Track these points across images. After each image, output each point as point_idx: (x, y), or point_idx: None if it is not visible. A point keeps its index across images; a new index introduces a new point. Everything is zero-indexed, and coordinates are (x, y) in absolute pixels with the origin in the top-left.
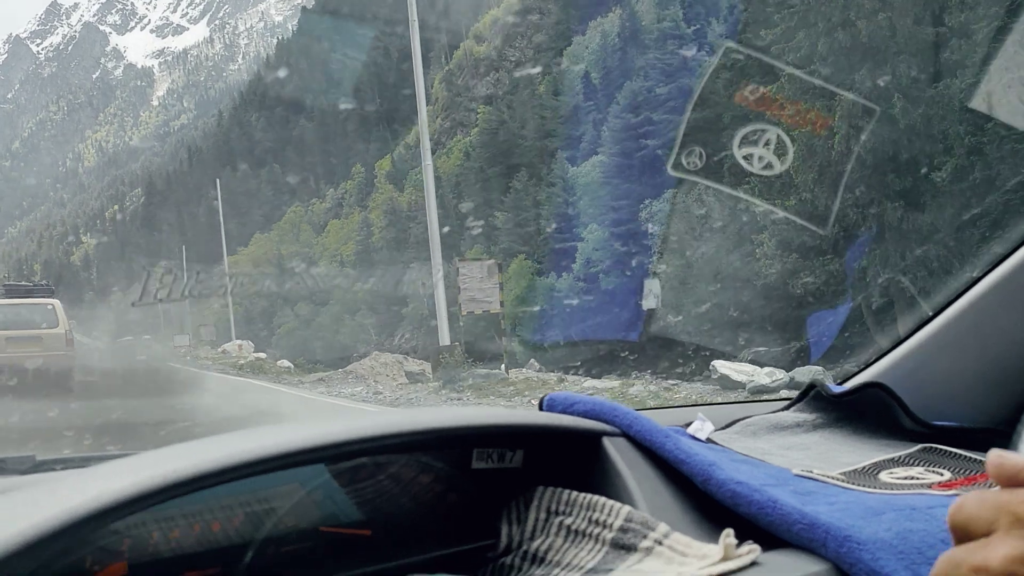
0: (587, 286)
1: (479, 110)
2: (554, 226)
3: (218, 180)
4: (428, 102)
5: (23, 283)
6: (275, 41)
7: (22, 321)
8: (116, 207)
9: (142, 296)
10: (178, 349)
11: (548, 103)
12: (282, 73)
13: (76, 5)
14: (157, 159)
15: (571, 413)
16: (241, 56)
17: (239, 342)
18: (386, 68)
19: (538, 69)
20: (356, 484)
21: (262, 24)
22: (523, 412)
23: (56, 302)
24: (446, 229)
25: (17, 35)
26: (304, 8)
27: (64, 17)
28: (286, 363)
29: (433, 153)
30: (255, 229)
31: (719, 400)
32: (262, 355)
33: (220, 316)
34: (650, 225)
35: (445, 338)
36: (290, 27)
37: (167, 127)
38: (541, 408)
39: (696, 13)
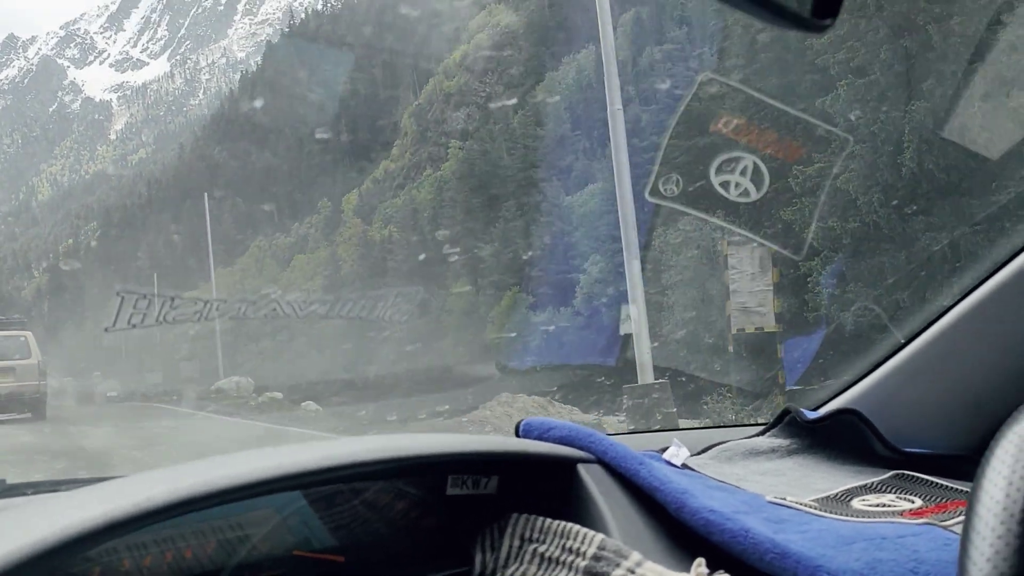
0: (589, 320)
1: (451, 144)
2: (550, 257)
3: (206, 198)
4: (398, 136)
5: None
6: (237, 76)
7: None
8: (70, 241)
9: (115, 322)
10: (151, 387)
11: (531, 133)
12: (245, 107)
13: (34, 38)
14: (114, 193)
15: (547, 439)
16: (202, 91)
17: (236, 378)
18: (352, 104)
19: (515, 101)
20: (331, 510)
21: (224, 60)
22: (498, 438)
23: (28, 334)
24: (422, 256)
25: None
26: (269, 43)
27: (21, 50)
28: (313, 406)
29: (402, 188)
30: (217, 263)
31: (696, 425)
32: (277, 395)
33: (192, 351)
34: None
35: (647, 373)
36: (253, 63)
37: (124, 161)
38: (517, 434)
39: (692, 39)
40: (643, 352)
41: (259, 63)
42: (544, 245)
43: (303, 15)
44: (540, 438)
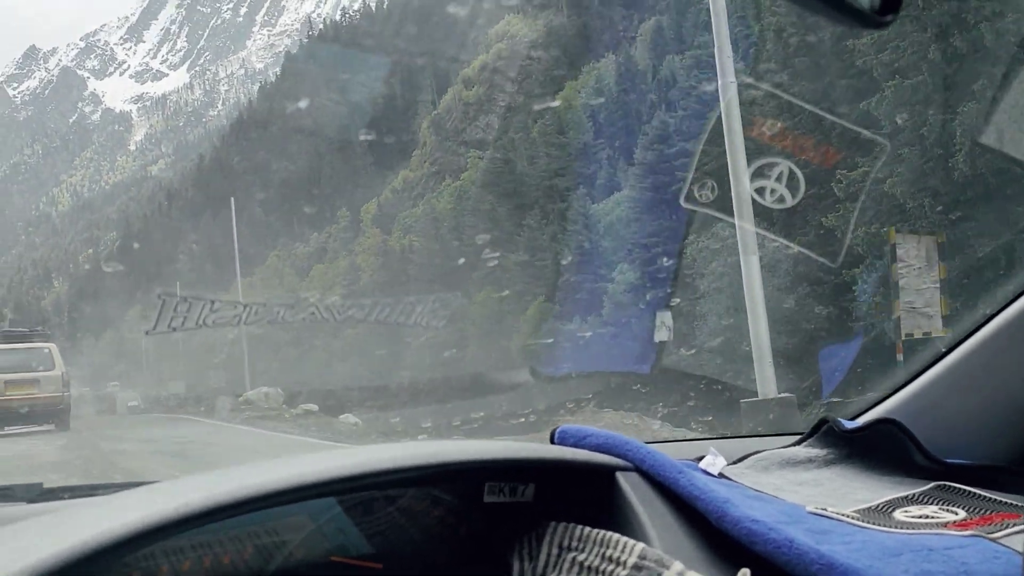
0: (618, 331)
1: (470, 154)
2: (572, 264)
3: (232, 205)
4: (415, 147)
5: (21, 328)
6: (256, 87)
7: (20, 365)
8: (90, 251)
9: (156, 325)
10: (174, 397)
11: (553, 141)
12: (263, 118)
13: (55, 50)
14: (133, 203)
15: (583, 446)
16: (221, 102)
17: (265, 389)
18: (371, 114)
19: (535, 110)
20: (367, 516)
21: (243, 71)
22: (535, 445)
23: (52, 346)
24: (444, 265)
25: None
26: (288, 54)
27: (42, 61)
28: (352, 418)
29: (421, 197)
30: (233, 276)
31: (730, 433)
32: (312, 407)
33: (217, 360)
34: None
35: (769, 386)
36: (271, 74)
37: (144, 172)
38: (552, 441)
39: (733, 41)
40: (765, 365)
41: (277, 74)
42: (571, 253)
43: (321, 26)
44: (576, 445)
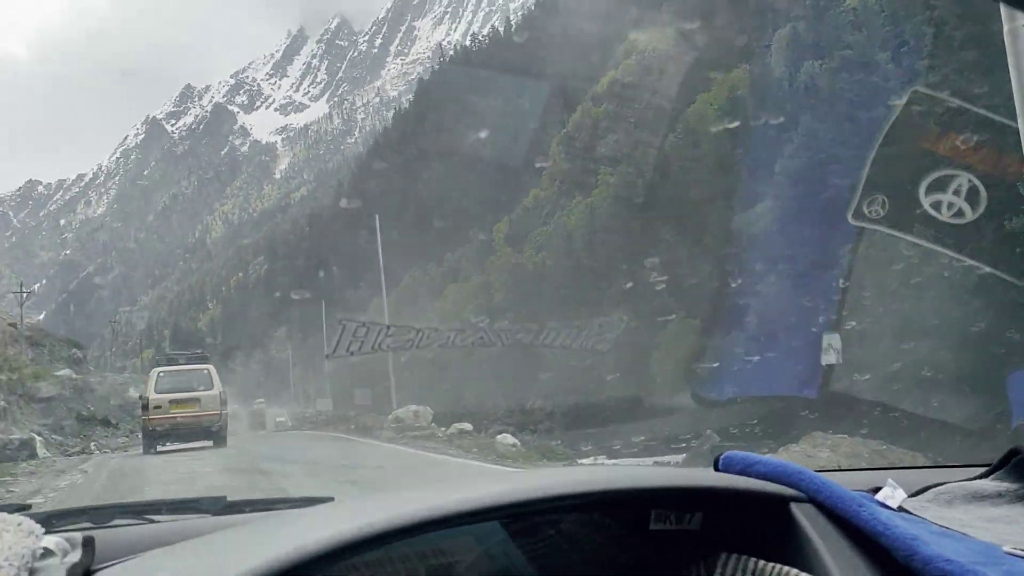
0: (762, 345)
1: (600, 170)
2: (719, 281)
3: (377, 224)
4: (547, 164)
5: (183, 351)
6: (390, 114)
7: (183, 385)
8: (240, 275)
9: (336, 349)
10: (321, 415)
11: (687, 154)
12: (397, 143)
13: (208, 88)
14: (279, 229)
15: (750, 474)
16: (358, 130)
17: (414, 408)
18: (501, 134)
19: (666, 124)
20: (531, 540)
21: (378, 99)
22: (702, 472)
23: (210, 367)
24: (578, 283)
25: (154, 116)
26: (421, 80)
27: (197, 99)
28: (509, 439)
29: (552, 215)
30: (374, 294)
31: (907, 463)
32: (466, 426)
33: (355, 379)
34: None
35: None
36: (405, 101)
37: (288, 199)
38: (717, 467)
39: (884, 40)
40: None
41: (411, 100)
42: (712, 268)
43: (452, 52)
44: (743, 473)
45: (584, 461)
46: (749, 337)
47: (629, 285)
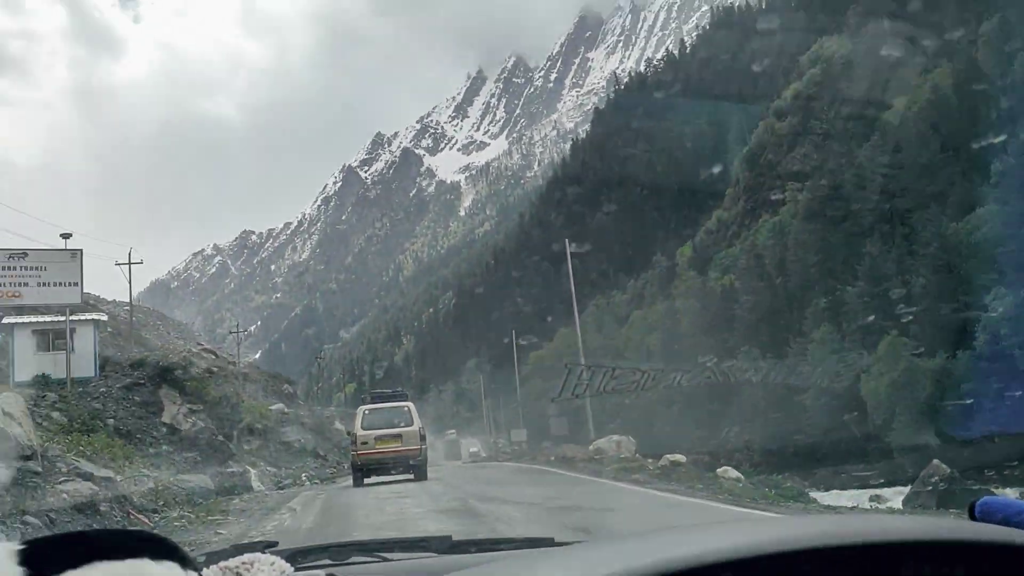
0: (995, 366)
1: (788, 186)
2: (943, 296)
3: (568, 251)
4: (727, 185)
5: (385, 390)
6: (568, 145)
7: (386, 422)
8: (431, 310)
9: (561, 392)
10: (516, 445)
11: (885, 162)
12: (576, 173)
13: (396, 134)
14: (465, 264)
15: (1014, 524)
16: (537, 163)
17: (616, 438)
18: (680, 157)
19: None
20: None
21: (555, 132)
22: (956, 523)
23: (410, 405)
24: (770, 303)
25: (349, 165)
26: (597, 110)
27: (386, 145)
28: (732, 472)
29: (737, 236)
30: (559, 324)
31: None
32: (679, 458)
33: (549, 409)
34: None
35: None
36: (581, 131)
37: (472, 234)
38: (972, 515)
39: None
40: None
41: (587, 130)
42: (925, 280)
43: (627, 79)
44: (1006, 523)
45: (824, 502)
46: (982, 363)
47: (828, 303)
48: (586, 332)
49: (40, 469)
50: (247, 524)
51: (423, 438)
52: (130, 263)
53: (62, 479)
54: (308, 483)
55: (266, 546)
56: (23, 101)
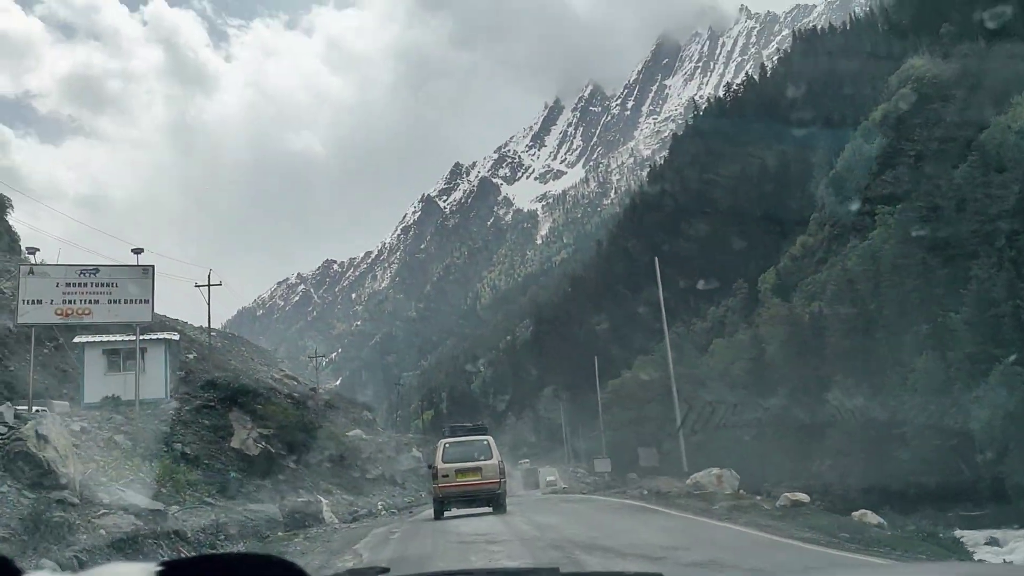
0: None
1: (878, 210)
2: None
3: (658, 272)
4: (812, 210)
5: (465, 423)
6: (645, 173)
7: (466, 455)
8: (508, 337)
9: (680, 426)
10: (600, 476)
11: (990, 181)
12: (654, 200)
13: (474, 164)
14: (542, 291)
15: None
16: (613, 191)
17: (716, 471)
18: (761, 183)
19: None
20: None
21: (632, 159)
22: None
23: (490, 438)
24: (863, 330)
25: (428, 194)
26: (675, 135)
27: (464, 175)
28: (872, 517)
29: (824, 262)
30: (639, 351)
31: None
32: (801, 497)
33: (623, 439)
34: None
35: None
36: (659, 158)
37: (549, 262)
38: None
39: None
40: None
41: (665, 157)
42: None
43: (705, 105)
44: None
45: (981, 554)
46: None
47: (930, 330)
48: (665, 359)
49: (77, 500)
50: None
51: (503, 472)
52: (209, 284)
53: (101, 512)
54: (384, 512)
55: (380, 571)
56: (121, 138)
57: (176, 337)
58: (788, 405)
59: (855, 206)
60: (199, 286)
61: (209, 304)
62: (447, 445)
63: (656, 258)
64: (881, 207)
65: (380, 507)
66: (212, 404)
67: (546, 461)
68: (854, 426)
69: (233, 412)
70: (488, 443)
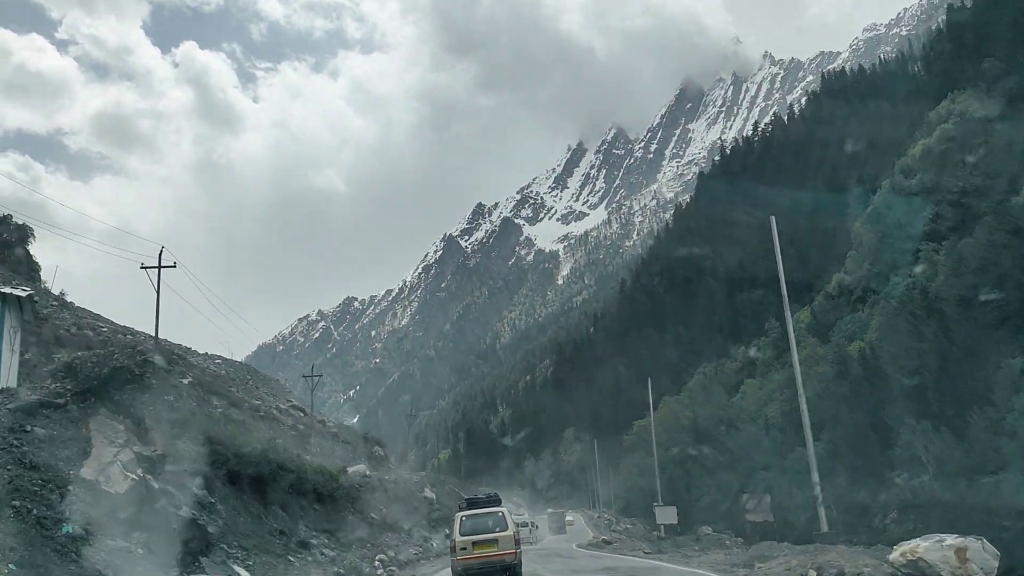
0: None
1: (922, 247)
2: None
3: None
4: (848, 247)
5: (479, 496)
6: (667, 215)
7: (482, 527)
8: (528, 377)
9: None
10: (660, 528)
11: None
12: (678, 241)
13: (496, 204)
14: (563, 331)
15: None
16: (636, 233)
17: (953, 541)
18: (790, 221)
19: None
20: None
21: (654, 202)
22: None
23: (504, 510)
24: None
25: (450, 234)
26: (701, 174)
27: (487, 215)
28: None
29: (863, 300)
30: (663, 392)
31: None
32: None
33: (677, 481)
34: None
35: None
36: (682, 201)
37: (570, 303)
38: None
39: None
40: None
41: (687, 200)
42: None
43: (731, 147)
44: None
45: None
46: None
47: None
48: (694, 401)
49: None
50: None
51: (518, 543)
52: (160, 266)
53: None
54: (381, 567)
55: None
56: (149, 175)
57: (25, 293)
58: (835, 450)
59: (896, 243)
60: (145, 268)
61: (159, 288)
62: (463, 518)
63: (772, 217)
64: (927, 244)
65: (378, 564)
66: (61, 401)
67: (568, 505)
68: (930, 474)
69: (99, 416)
70: (503, 514)
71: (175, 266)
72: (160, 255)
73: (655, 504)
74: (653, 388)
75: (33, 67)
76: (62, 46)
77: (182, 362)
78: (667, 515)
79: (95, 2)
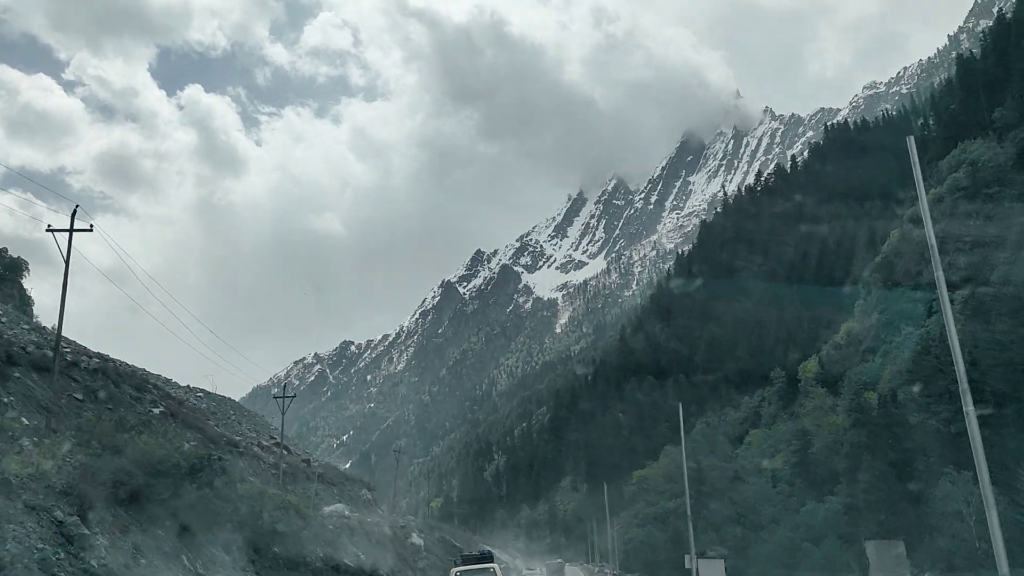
0: None
1: (934, 297)
2: None
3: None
4: (859, 296)
5: (473, 552)
6: (667, 266)
7: None
8: (524, 425)
9: None
10: None
11: None
12: (678, 291)
13: (495, 252)
14: (560, 379)
15: None
16: (635, 283)
17: None
18: (798, 271)
19: None
20: None
21: (654, 252)
22: None
23: (495, 565)
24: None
25: (448, 280)
26: (704, 224)
27: (486, 262)
28: None
29: (873, 350)
30: (663, 441)
31: None
32: None
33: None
34: None
35: None
36: (682, 252)
37: (568, 351)
38: None
39: None
40: None
41: (687, 251)
42: None
43: (732, 198)
44: None
45: None
46: None
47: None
48: (697, 451)
49: None
50: None
51: None
52: (72, 229)
53: None
54: None
55: None
56: (150, 216)
57: None
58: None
59: (906, 293)
60: (51, 230)
61: (69, 250)
62: (457, 574)
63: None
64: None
65: None
66: None
67: (564, 556)
68: (971, 525)
69: None
70: (494, 571)
71: (91, 229)
72: (73, 215)
73: (689, 556)
74: (652, 436)
75: (39, 106)
76: (69, 86)
77: (155, 391)
78: (715, 570)
79: (103, 44)
